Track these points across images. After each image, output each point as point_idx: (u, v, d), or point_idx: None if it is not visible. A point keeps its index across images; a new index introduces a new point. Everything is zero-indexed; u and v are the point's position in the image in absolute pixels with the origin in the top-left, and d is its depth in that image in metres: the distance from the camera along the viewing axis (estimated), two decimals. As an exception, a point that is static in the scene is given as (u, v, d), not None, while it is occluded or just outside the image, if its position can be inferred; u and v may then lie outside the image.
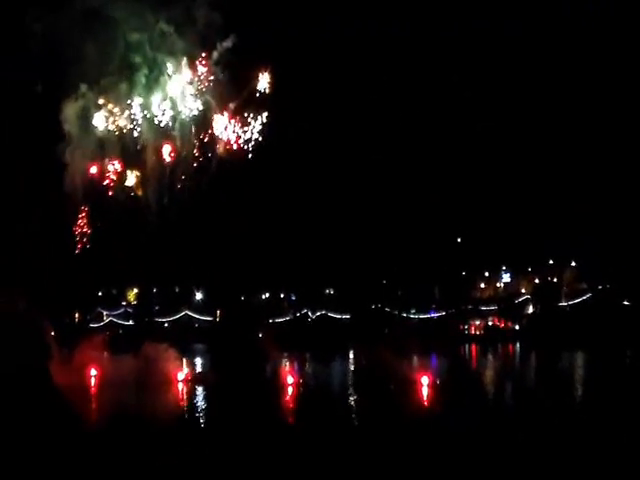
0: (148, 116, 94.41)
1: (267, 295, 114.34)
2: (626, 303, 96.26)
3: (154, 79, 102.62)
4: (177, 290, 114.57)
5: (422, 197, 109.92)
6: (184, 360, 79.88)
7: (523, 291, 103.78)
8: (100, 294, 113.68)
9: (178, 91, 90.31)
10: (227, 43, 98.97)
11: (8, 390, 52.10)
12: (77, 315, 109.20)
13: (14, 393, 51.68)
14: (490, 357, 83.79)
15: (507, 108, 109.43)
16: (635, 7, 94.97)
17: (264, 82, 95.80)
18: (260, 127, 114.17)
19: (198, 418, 47.74)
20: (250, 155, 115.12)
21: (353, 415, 46.40)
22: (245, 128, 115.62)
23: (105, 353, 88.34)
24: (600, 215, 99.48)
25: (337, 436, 40.14)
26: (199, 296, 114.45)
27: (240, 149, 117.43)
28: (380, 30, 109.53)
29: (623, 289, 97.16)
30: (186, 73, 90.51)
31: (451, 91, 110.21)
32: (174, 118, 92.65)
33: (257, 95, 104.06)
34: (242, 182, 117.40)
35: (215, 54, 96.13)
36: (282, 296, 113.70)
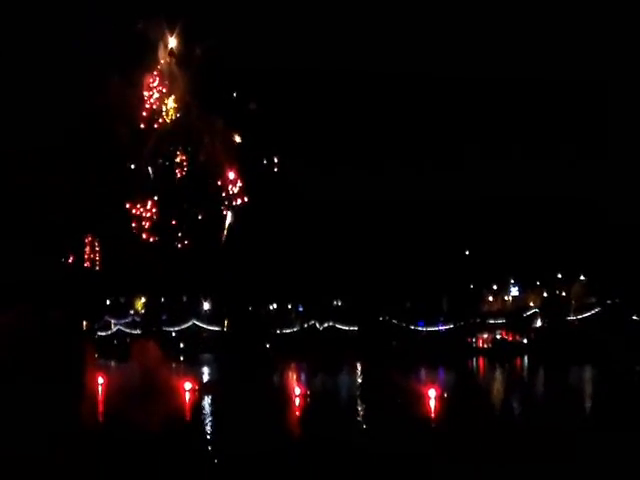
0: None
1: (275, 306, 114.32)
2: (635, 318, 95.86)
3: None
4: (185, 300, 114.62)
5: (430, 209, 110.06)
6: (191, 369, 79.98)
7: (531, 305, 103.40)
8: (108, 302, 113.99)
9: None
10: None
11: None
12: (85, 323, 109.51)
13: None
14: (498, 371, 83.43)
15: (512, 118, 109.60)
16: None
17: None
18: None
19: (205, 428, 47.71)
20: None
21: (360, 427, 46.30)
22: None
23: (113, 361, 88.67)
24: (609, 228, 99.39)
25: (344, 448, 40.05)
26: (207, 306, 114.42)
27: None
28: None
29: (632, 304, 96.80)
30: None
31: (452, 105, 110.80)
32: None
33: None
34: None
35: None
36: (290, 307, 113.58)
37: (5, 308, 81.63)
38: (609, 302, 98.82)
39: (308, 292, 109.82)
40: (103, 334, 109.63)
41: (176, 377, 67.52)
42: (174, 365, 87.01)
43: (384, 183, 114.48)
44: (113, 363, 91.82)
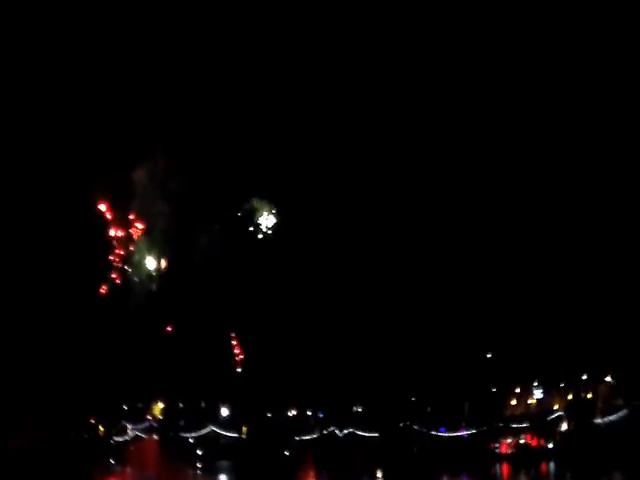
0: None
1: (294, 412, 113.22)
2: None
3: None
4: (203, 405, 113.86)
5: (451, 311, 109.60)
6: (209, 477, 78.64)
7: (556, 407, 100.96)
8: (125, 407, 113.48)
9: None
10: None
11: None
12: (100, 428, 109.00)
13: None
14: (523, 477, 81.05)
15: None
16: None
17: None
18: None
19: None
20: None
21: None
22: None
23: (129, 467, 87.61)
24: (636, 327, 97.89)
25: None
26: (225, 412, 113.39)
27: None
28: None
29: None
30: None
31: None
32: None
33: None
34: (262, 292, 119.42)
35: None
36: (309, 413, 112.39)
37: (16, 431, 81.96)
38: (636, 403, 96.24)
39: (328, 398, 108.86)
40: (120, 439, 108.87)
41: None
42: (191, 472, 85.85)
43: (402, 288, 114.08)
44: (129, 469, 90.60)
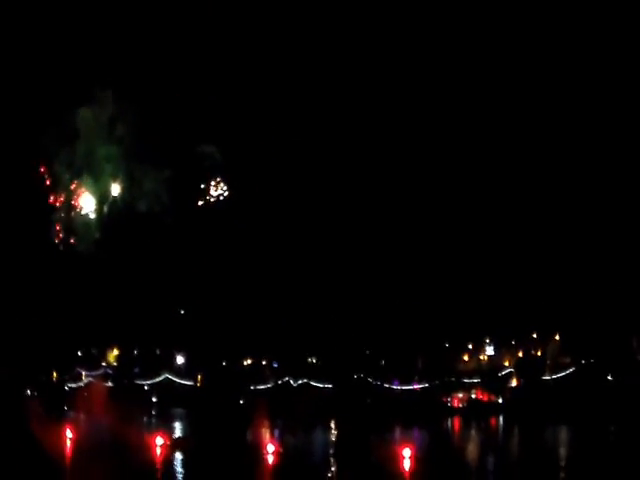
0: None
1: (249, 362, 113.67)
2: (609, 378, 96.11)
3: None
4: (158, 353, 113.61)
5: (406, 268, 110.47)
6: (163, 424, 78.94)
7: (506, 364, 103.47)
8: (80, 354, 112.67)
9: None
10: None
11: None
12: (54, 374, 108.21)
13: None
14: (473, 431, 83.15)
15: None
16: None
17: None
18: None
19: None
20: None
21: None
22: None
23: (81, 414, 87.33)
24: (586, 289, 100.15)
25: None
26: (180, 360, 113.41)
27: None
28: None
29: (607, 364, 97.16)
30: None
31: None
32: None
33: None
34: (224, 244, 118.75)
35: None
36: (264, 363, 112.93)
37: None
38: (584, 362, 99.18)
39: (283, 348, 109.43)
40: (73, 386, 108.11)
41: (147, 431, 66.61)
42: (145, 419, 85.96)
43: (359, 241, 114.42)
44: (83, 416, 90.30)
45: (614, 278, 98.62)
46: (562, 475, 49.87)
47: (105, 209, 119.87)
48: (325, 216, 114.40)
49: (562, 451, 63.33)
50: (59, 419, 79.13)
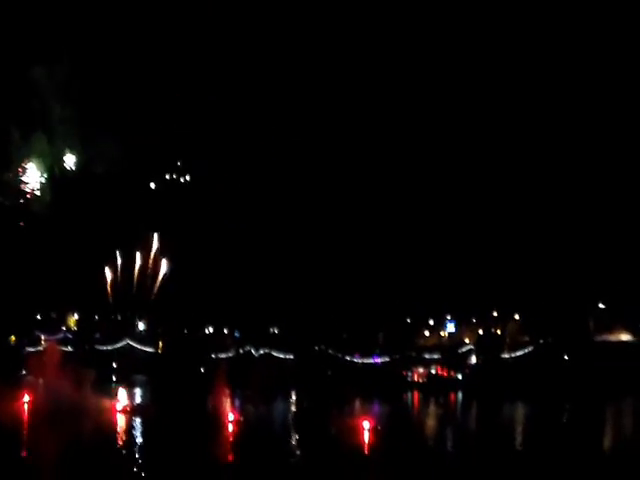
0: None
1: (210, 330, 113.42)
2: (566, 358, 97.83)
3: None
4: (119, 318, 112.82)
5: (369, 243, 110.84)
6: (123, 390, 78.48)
7: (467, 341, 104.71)
8: (39, 317, 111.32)
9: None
10: None
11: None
12: (12, 338, 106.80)
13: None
14: (432, 405, 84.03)
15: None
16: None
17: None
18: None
19: (134, 451, 46.70)
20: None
21: (292, 457, 45.95)
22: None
23: (39, 378, 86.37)
24: (546, 270, 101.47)
25: (274, 477, 39.68)
26: (141, 326, 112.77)
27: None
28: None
29: (564, 344, 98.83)
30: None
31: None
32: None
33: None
34: (187, 215, 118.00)
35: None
36: (226, 332, 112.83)
37: None
38: (541, 341, 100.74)
39: (245, 318, 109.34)
40: (32, 350, 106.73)
41: (106, 397, 66.21)
42: (106, 385, 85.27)
43: (325, 213, 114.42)
44: (41, 380, 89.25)
45: (573, 260, 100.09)
46: (517, 448, 50.73)
47: (57, 171, 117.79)
48: (294, 189, 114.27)
49: (518, 426, 64.35)
50: (16, 383, 78.30)
